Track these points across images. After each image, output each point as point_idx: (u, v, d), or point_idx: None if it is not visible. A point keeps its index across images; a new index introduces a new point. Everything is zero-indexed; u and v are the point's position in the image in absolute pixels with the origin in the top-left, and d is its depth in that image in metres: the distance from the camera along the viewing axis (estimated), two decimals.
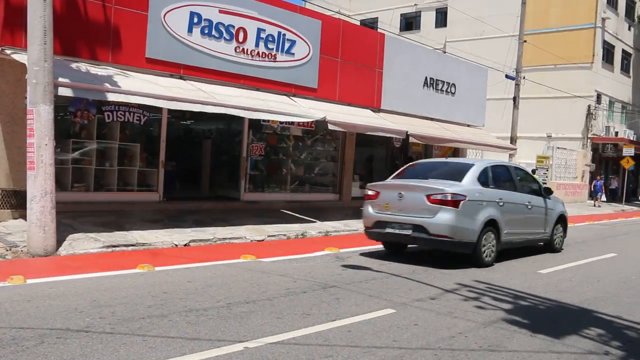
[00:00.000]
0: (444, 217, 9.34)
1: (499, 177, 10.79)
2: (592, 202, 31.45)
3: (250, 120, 14.39)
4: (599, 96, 35.64)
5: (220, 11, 13.03)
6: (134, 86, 10.64)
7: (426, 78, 19.10)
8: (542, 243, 11.98)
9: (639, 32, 40.89)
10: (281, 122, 15.09)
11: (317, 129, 16.58)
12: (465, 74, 21.03)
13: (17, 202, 10.69)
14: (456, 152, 22.33)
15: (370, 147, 19.39)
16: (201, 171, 16.76)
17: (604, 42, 35.96)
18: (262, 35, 13.86)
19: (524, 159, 29.95)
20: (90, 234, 9.96)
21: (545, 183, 23.92)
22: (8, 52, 9.98)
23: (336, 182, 18.01)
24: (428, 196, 9.49)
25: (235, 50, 13.38)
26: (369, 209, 10.32)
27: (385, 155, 20.23)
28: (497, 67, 28.30)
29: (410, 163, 12.69)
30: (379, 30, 24.21)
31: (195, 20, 12.61)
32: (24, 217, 9.28)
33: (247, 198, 15.29)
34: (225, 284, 7.39)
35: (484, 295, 7.53)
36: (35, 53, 8.59)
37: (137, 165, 13.16)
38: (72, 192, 11.98)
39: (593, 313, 6.96)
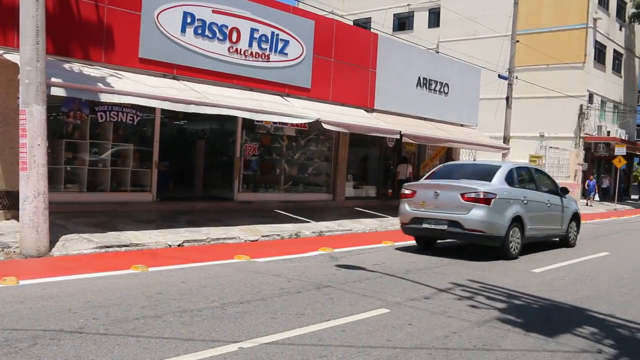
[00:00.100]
0: (477, 213, 10.32)
1: (522, 177, 11.90)
2: (585, 201, 31.60)
3: (244, 120, 14.38)
4: (591, 96, 35.80)
5: (214, 11, 13.02)
6: (127, 86, 10.61)
7: (419, 78, 19.15)
8: (557, 239, 12.83)
9: (630, 32, 41.12)
10: (275, 122, 15.08)
11: (311, 129, 16.59)
12: (459, 74, 21.10)
13: (9, 202, 10.64)
14: (449, 152, 22.39)
15: (363, 147, 19.41)
16: (194, 171, 16.73)
17: (596, 42, 36.14)
18: (256, 35, 13.86)
19: (517, 158, 29.98)
20: (84, 234, 9.92)
21: None
22: (0, 52, 9.93)
23: (330, 182, 18.02)
24: (462, 194, 10.46)
25: (229, 50, 13.37)
26: (406, 207, 11.21)
27: (379, 155, 20.27)
28: (490, 67, 28.38)
29: (439, 165, 13.61)
30: (372, 30, 24.27)
31: (189, 20, 12.59)
32: (17, 217, 9.24)
33: (240, 198, 15.28)
34: (219, 284, 7.37)
35: (477, 294, 7.55)
36: (27, 53, 8.54)
37: (131, 166, 13.12)
38: (65, 193, 11.94)
39: (586, 312, 7.00)
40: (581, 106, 34.85)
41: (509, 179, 11.19)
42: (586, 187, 32.90)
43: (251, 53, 13.81)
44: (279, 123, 15.08)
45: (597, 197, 33.95)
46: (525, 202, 11.15)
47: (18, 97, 8.90)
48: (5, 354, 4.52)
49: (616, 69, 39.65)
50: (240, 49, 13.58)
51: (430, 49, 30.78)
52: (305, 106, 14.43)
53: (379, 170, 20.35)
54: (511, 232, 10.67)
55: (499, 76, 25.78)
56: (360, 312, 6.31)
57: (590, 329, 6.16)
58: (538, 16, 35.60)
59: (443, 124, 19.87)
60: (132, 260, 8.59)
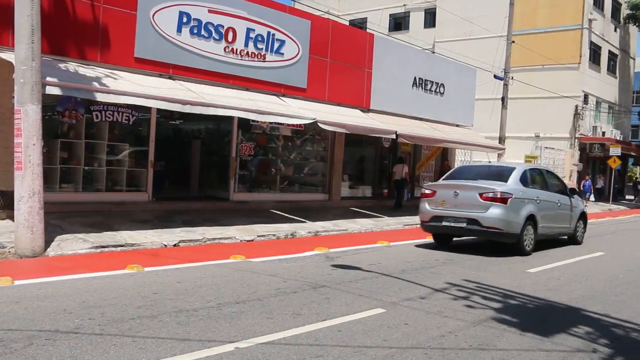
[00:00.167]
0: (495, 212, 10.98)
1: (534, 178, 12.55)
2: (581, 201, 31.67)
3: (240, 120, 14.37)
4: (586, 96, 35.92)
5: (210, 11, 13.01)
6: (123, 86, 10.59)
7: (415, 78, 19.18)
8: (566, 237, 13.46)
9: (625, 33, 41.28)
10: (271, 122, 15.08)
11: (306, 129, 16.58)
12: (454, 74, 21.13)
13: (4, 202, 10.60)
14: (445, 152, 22.42)
15: (359, 147, 19.42)
16: (190, 171, 16.71)
17: (591, 43, 36.26)
18: (252, 35, 13.85)
19: (513, 158, 30.03)
20: (79, 234, 9.90)
21: None
22: None
23: (325, 182, 18.02)
24: (481, 194, 11.12)
25: (225, 50, 13.36)
26: (426, 206, 11.87)
27: (375, 155, 20.28)
28: (485, 67, 28.43)
29: (456, 167, 14.36)
30: (368, 30, 24.27)
31: (185, 19, 12.57)
32: (12, 217, 9.21)
33: (236, 198, 15.26)
34: (215, 284, 7.37)
35: (473, 294, 7.57)
36: (22, 52, 8.51)
37: (126, 165, 13.09)
38: (61, 193, 11.91)
39: (581, 311, 7.02)
40: (576, 107, 34.96)
41: (523, 180, 11.82)
42: (582, 188, 33.00)
43: (247, 53, 13.80)
44: (275, 123, 15.08)
45: (592, 198, 34.05)
46: (538, 201, 11.77)
47: (13, 97, 8.87)
48: (0, 354, 4.50)
49: (611, 69, 39.79)
50: (237, 49, 13.57)
51: (426, 49, 30.79)
52: (301, 106, 14.43)
53: (374, 171, 20.36)
54: (525, 229, 11.30)
55: (495, 76, 25.83)
56: (356, 312, 6.32)
57: (586, 329, 6.18)
58: (533, 17, 35.70)
59: (439, 124, 19.90)
60: (127, 260, 8.57)
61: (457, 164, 24.07)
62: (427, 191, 12.12)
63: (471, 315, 6.44)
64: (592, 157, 37.46)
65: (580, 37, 35.08)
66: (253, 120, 14.72)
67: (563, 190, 13.28)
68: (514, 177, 11.68)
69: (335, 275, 8.37)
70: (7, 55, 9.57)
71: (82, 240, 9.57)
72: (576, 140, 35.30)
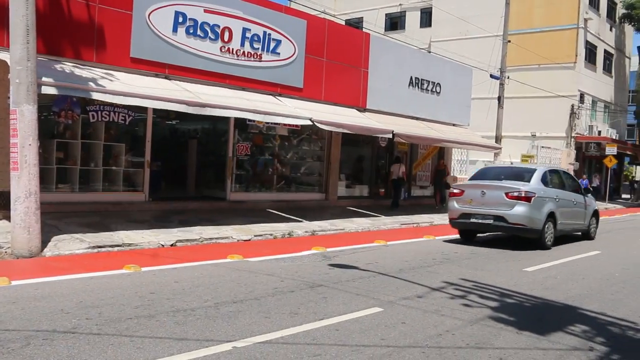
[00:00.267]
0: (520, 210, 11.90)
1: (553, 179, 13.41)
2: None
3: (236, 119, 14.37)
4: (582, 96, 36.00)
5: (206, 10, 12.99)
6: (119, 86, 10.57)
7: (411, 78, 19.20)
8: (580, 233, 14.40)
9: (620, 32, 41.38)
10: (267, 122, 15.08)
11: (303, 129, 16.58)
12: (450, 74, 21.16)
13: (0, 203, 10.56)
14: (442, 152, 22.45)
15: (355, 146, 19.43)
16: (187, 171, 16.69)
17: (587, 43, 36.33)
18: (248, 34, 13.84)
19: (509, 158, 30.14)
20: (76, 234, 9.88)
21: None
22: None
23: (322, 181, 18.02)
24: (506, 193, 12.06)
25: (221, 50, 13.35)
26: (455, 204, 12.84)
27: (371, 155, 20.29)
28: (481, 66, 28.47)
29: (480, 168, 15.54)
30: (364, 30, 24.29)
31: (180, 19, 12.56)
32: (8, 218, 9.19)
33: (233, 198, 15.26)
34: (212, 283, 7.37)
35: (470, 293, 7.58)
36: (17, 52, 8.50)
37: (123, 166, 13.07)
38: (57, 193, 11.89)
39: (578, 310, 7.04)
40: (572, 106, 35.03)
41: (544, 180, 12.76)
42: None
43: (243, 53, 13.80)
44: (272, 123, 15.08)
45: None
46: (557, 200, 12.74)
47: (8, 97, 8.85)
48: None
49: (607, 69, 39.89)
50: (233, 49, 13.56)
51: (422, 48, 30.84)
52: (297, 106, 14.43)
53: (371, 170, 20.37)
54: (546, 225, 12.22)
55: (491, 76, 25.87)
56: (354, 311, 6.32)
57: (582, 327, 6.20)
58: (529, 16, 35.75)
59: (435, 124, 19.92)
60: (124, 260, 8.56)
61: (454, 163, 24.13)
62: (455, 191, 13.11)
63: (468, 314, 6.45)
64: (588, 156, 37.55)
65: (576, 36, 35.16)
66: (250, 120, 14.73)
67: (578, 189, 14.26)
68: (536, 177, 12.61)
69: (333, 274, 8.38)
70: (3, 55, 9.53)
71: (79, 240, 9.55)
72: (572, 139, 35.37)
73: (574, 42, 35.18)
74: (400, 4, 42.50)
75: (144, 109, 12.54)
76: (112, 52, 11.58)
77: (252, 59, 14.01)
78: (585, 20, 35.60)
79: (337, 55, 16.35)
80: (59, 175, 12.05)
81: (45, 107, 11.27)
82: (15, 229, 8.60)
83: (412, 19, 42.54)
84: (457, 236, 14.02)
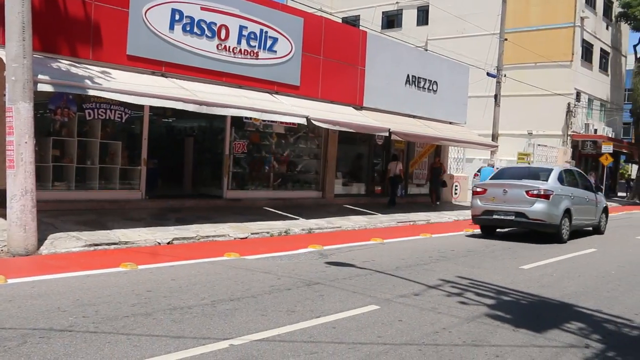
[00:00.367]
0: (539, 206, 12.92)
1: (568, 177, 14.37)
2: None
3: (233, 117, 14.35)
4: (578, 94, 36.07)
5: (202, 8, 12.97)
6: (115, 83, 10.55)
7: (408, 76, 19.20)
8: (591, 228, 15.52)
9: (617, 31, 41.46)
10: (264, 120, 15.08)
11: (300, 127, 16.57)
12: (447, 72, 21.17)
13: None
14: (438, 150, 22.47)
15: (352, 144, 19.42)
16: (183, 169, 16.68)
17: (583, 41, 36.39)
18: (244, 32, 13.82)
19: (505, 156, 30.20)
20: (72, 232, 9.87)
21: None
22: None
23: (319, 179, 18.02)
24: (527, 191, 13.09)
25: (217, 48, 13.33)
26: (478, 202, 13.78)
27: (368, 153, 20.29)
28: (478, 65, 28.49)
29: (500, 168, 16.63)
30: (361, 28, 24.27)
31: (177, 17, 12.53)
32: (4, 216, 9.15)
33: (230, 196, 15.25)
34: (209, 281, 7.36)
35: (467, 291, 7.60)
36: (13, 50, 8.47)
37: (119, 163, 13.04)
38: (53, 191, 11.85)
39: (574, 307, 7.07)
40: (569, 104, 35.10)
41: (560, 179, 13.77)
42: None
43: (240, 50, 13.78)
44: (268, 121, 15.08)
45: None
46: (572, 197, 13.75)
47: (4, 95, 8.82)
48: None
49: (603, 67, 39.97)
50: (229, 46, 13.55)
51: (419, 46, 30.84)
52: (294, 104, 14.42)
53: (368, 168, 20.38)
54: (563, 221, 13.21)
55: (488, 74, 25.89)
56: (351, 308, 6.33)
57: (578, 325, 6.22)
58: (526, 15, 35.80)
59: (432, 122, 19.94)
60: (121, 258, 8.55)
61: (450, 161, 24.15)
62: (478, 189, 14.02)
63: (465, 312, 6.47)
64: (584, 155, 37.64)
65: (573, 34, 35.22)
66: (246, 118, 14.72)
67: (589, 187, 15.34)
68: (553, 176, 13.63)
69: (329, 272, 8.39)
70: None
71: (75, 238, 9.54)
72: (568, 137, 35.45)
73: (571, 41, 35.25)
74: (397, 2, 42.51)
75: (140, 107, 12.51)
76: (109, 49, 11.55)
77: (248, 56, 13.99)
78: (582, 18, 35.67)
79: (334, 53, 16.34)
80: (55, 173, 12.02)
81: (42, 104, 11.25)
82: (11, 227, 8.58)
83: (409, 17, 42.55)
84: (453, 234, 14.08)
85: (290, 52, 15.01)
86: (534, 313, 6.76)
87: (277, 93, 14.73)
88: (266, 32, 14.33)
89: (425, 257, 10.22)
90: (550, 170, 14.02)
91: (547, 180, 13.51)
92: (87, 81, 10.04)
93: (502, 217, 13.34)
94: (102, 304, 6.02)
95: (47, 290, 6.49)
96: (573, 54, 35.19)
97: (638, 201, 35.67)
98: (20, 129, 8.54)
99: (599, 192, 15.63)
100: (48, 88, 9.46)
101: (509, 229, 14.59)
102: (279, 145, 16.90)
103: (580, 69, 36.13)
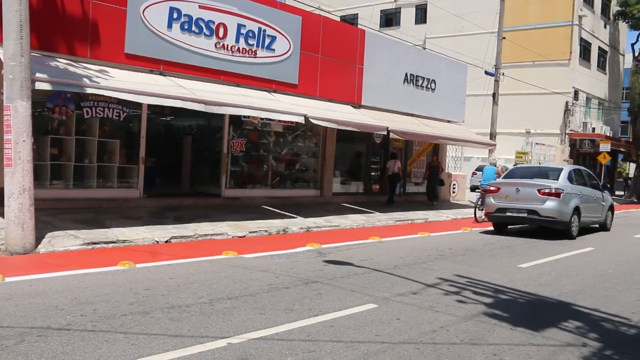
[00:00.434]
0: (551, 204, 13.51)
1: (577, 177, 15.02)
2: None
3: (231, 116, 14.34)
4: (576, 93, 36.11)
5: (200, 6, 12.96)
6: (113, 82, 10.53)
7: (406, 74, 19.20)
8: (597, 225, 16.06)
9: (614, 29, 41.49)
10: (262, 118, 15.07)
11: (298, 125, 16.57)
12: (445, 70, 21.18)
13: None
14: (436, 148, 22.48)
15: (350, 143, 19.42)
16: (181, 167, 16.66)
17: (581, 40, 36.42)
18: (243, 31, 13.81)
19: (503, 154, 30.24)
20: (70, 231, 9.86)
21: None
22: None
23: (317, 178, 18.02)
24: (539, 190, 13.65)
25: (216, 46, 13.32)
26: (492, 200, 14.36)
27: (366, 151, 20.29)
28: (476, 63, 28.48)
29: (511, 168, 17.49)
30: (359, 26, 24.25)
31: (175, 15, 12.52)
32: (2, 214, 9.14)
33: (228, 194, 15.24)
34: (207, 280, 7.36)
35: (464, 289, 7.61)
36: (11, 48, 8.45)
37: (117, 162, 13.03)
38: (51, 189, 11.84)
39: (571, 306, 7.08)
40: (567, 103, 35.13)
41: (570, 178, 14.40)
42: None
43: (238, 49, 13.76)
44: (267, 119, 15.06)
45: None
46: (581, 196, 14.37)
47: (2, 93, 8.82)
48: None
49: (601, 66, 40.01)
50: (227, 45, 13.53)
51: (417, 45, 30.84)
52: (292, 102, 14.42)
53: (366, 166, 20.38)
54: (572, 218, 13.82)
55: (486, 72, 25.88)
56: (349, 307, 6.34)
57: (576, 323, 6.23)
58: (524, 13, 35.82)
59: (430, 120, 19.94)
60: (119, 256, 8.55)
61: (448, 159, 24.15)
62: (492, 188, 14.57)
63: (463, 310, 6.47)
64: (582, 153, 37.68)
65: (571, 33, 35.26)
66: (244, 117, 14.71)
67: (597, 186, 16.00)
68: (563, 175, 14.27)
69: (327, 270, 8.39)
70: None
71: (73, 236, 9.53)
72: (566, 136, 35.49)
73: (569, 39, 35.28)
74: (395, 1, 42.51)
75: (138, 105, 12.50)
76: (107, 48, 11.53)
77: (247, 55, 13.98)
78: (580, 17, 35.69)
79: (332, 52, 16.33)
80: (53, 172, 12.00)
81: (39, 103, 11.23)
82: (9, 226, 8.57)
83: (407, 16, 42.56)
84: (451, 232, 14.11)
85: (289, 50, 15.01)
86: (531, 312, 6.77)
87: (275, 91, 14.72)
88: (264, 31, 14.32)
89: (423, 256, 10.22)
90: (560, 170, 14.64)
91: (557, 179, 14.10)
92: (85, 79, 10.03)
93: (515, 215, 13.91)
94: (100, 302, 6.02)
95: (44, 289, 6.48)
96: (571, 53, 35.23)
97: (636, 200, 35.70)
98: (18, 127, 8.52)
99: (606, 191, 16.34)
100: (46, 86, 9.44)
101: (522, 225, 15.28)
102: (277, 143, 16.89)
103: (578, 68, 36.16)
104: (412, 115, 19.35)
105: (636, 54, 37.27)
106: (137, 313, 5.68)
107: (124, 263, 8.03)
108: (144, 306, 5.95)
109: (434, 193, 21.01)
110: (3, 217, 8.95)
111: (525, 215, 13.77)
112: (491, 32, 29.89)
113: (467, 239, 13.12)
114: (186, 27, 12.72)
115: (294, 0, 19.63)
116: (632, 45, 37.75)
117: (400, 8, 42.84)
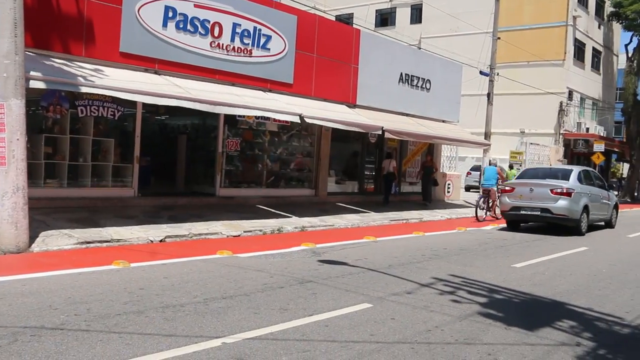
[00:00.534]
0: (563, 203, 14.53)
1: (585, 177, 16.01)
2: None
3: (226, 115, 14.32)
4: (570, 93, 36.23)
5: (196, 5, 12.93)
6: (108, 80, 10.50)
7: (401, 74, 19.22)
8: (603, 223, 17.13)
9: (609, 30, 41.64)
10: (257, 118, 15.06)
11: (293, 124, 16.55)
12: (440, 70, 21.21)
13: None
14: (431, 148, 22.51)
15: (345, 142, 19.43)
16: (176, 167, 16.61)
17: (575, 40, 36.55)
18: (238, 30, 13.80)
19: (498, 154, 30.24)
20: (64, 230, 9.82)
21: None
22: None
23: (312, 177, 18.01)
24: (551, 190, 14.69)
25: (211, 45, 13.29)
26: (507, 199, 15.35)
27: (361, 151, 20.30)
28: (471, 63, 28.53)
29: (524, 169, 19.22)
30: (354, 26, 24.26)
31: (170, 14, 12.49)
32: None
33: (222, 194, 15.22)
34: (201, 279, 7.35)
35: (459, 289, 7.62)
36: (5, 46, 8.42)
37: (112, 161, 12.99)
38: (45, 188, 11.79)
39: (565, 305, 7.10)
40: (561, 103, 35.25)
41: (579, 179, 15.39)
42: None
43: (233, 48, 13.75)
44: (262, 118, 15.05)
45: None
46: (589, 195, 15.41)
47: None
48: None
49: (595, 66, 40.15)
50: (223, 44, 13.51)
51: (412, 45, 30.88)
52: (287, 101, 14.41)
53: (361, 166, 20.39)
54: (582, 216, 14.82)
55: (481, 72, 25.94)
56: (343, 307, 6.34)
57: (570, 323, 6.26)
58: (519, 13, 35.92)
59: (425, 120, 19.97)
60: (113, 255, 8.52)
61: (443, 159, 24.18)
62: (507, 188, 15.63)
63: (457, 310, 6.49)
64: (576, 153, 37.81)
65: (565, 33, 35.38)
66: (239, 116, 14.68)
67: (603, 186, 17.00)
68: (574, 176, 15.29)
69: (322, 270, 8.39)
70: None
71: (67, 236, 9.50)
72: (560, 136, 35.60)
73: (563, 40, 35.40)
74: (390, 0, 42.53)
75: (132, 104, 12.47)
76: (102, 46, 11.50)
77: (242, 54, 13.96)
78: (574, 17, 35.82)
79: (327, 51, 16.33)
80: (47, 171, 11.95)
81: (34, 101, 11.19)
82: (2, 225, 8.53)
83: (403, 15, 42.60)
84: (446, 232, 14.13)
85: (284, 50, 15.00)
86: (526, 311, 6.79)
87: (270, 91, 14.71)
88: (260, 30, 14.30)
89: (418, 256, 10.24)
90: (570, 171, 15.74)
91: (568, 179, 15.10)
92: (80, 78, 10.00)
93: (529, 213, 14.90)
94: (94, 302, 6.00)
95: (38, 288, 6.46)
96: (565, 53, 35.35)
97: (629, 200, 35.84)
98: (12, 125, 8.49)
99: (611, 190, 17.37)
100: (40, 85, 9.41)
101: (533, 223, 16.03)
102: (272, 143, 16.88)
103: (572, 68, 36.29)
104: (407, 115, 19.37)
105: (630, 55, 37.43)
106: (131, 312, 5.67)
107: (118, 262, 8.01)
108: (138, 306, 5.93)
109: (427, 193, 20.99)
110: None
111: (539, 213, 14.70)
112: (486, 32, 29.96)
113: (461, 239, 13.15)
114: (181, 26, 12.69)
115: (289, 0, 19.61)
116: (626, 45, 37.92)
117: (395, 8, 42.88)
